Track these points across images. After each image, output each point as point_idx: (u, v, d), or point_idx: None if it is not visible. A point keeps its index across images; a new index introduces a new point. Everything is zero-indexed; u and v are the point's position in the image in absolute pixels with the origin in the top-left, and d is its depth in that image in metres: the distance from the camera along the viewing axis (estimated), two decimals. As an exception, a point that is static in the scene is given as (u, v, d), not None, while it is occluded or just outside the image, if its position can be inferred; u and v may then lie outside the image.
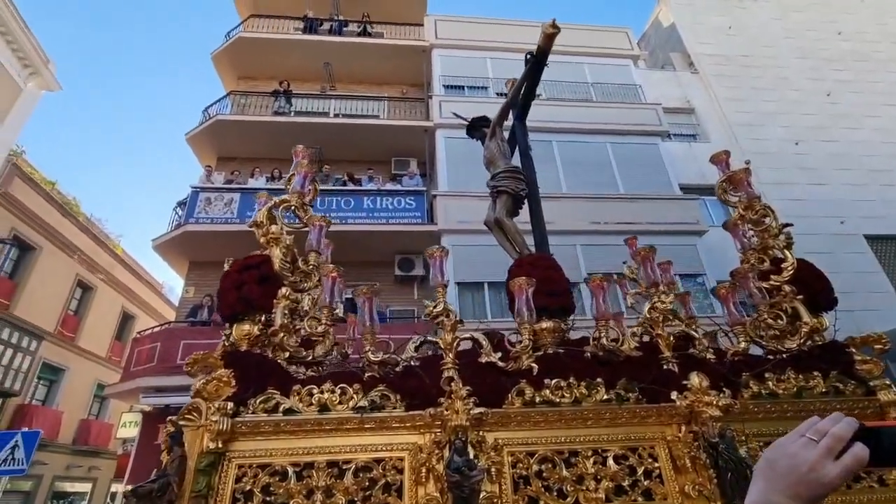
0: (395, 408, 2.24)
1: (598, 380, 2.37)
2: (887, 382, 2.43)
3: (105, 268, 17.78)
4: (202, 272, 11.35)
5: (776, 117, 14.78)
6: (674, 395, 2.26)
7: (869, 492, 2.27)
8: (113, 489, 16.88)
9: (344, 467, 2.11)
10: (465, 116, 4.85)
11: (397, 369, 2.45)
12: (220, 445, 2.03)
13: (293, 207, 2.94)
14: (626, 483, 2.17)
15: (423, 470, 2.09)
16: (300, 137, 11.69)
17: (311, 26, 14.50)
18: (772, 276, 2.80)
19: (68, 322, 16.11)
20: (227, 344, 2.50)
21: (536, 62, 4.25)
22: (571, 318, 2.88)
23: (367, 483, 2.08)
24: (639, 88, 14.01)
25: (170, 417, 2.15)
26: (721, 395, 2.24)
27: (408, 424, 2.21)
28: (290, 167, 3.20)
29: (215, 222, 10.89)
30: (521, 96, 4.59)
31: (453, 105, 11.55)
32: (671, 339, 2.56)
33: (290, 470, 2.08)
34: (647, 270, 2.80)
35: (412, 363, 2.44)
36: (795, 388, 2.44)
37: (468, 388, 2.19)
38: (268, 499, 2.02)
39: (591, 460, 2.21)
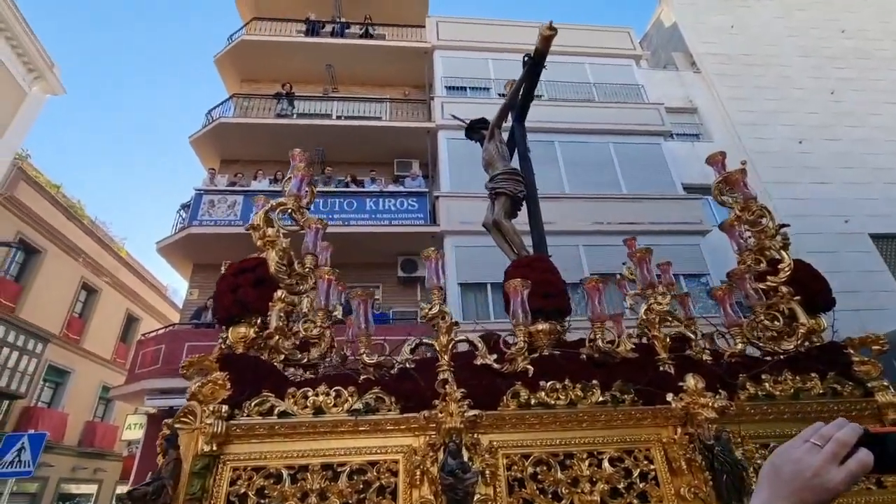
0: (389, 410, 2.23)
1: (594, 382, 2.36)
2: (885, 384, 2.41)
3: (110, 270, 17.88)
4: (206, 274, 11.37)
5: (779, 116, 14.71)
6: (669, 396, 2.25)
7: (867, 494, 2.25)
8: (118, 491, 16.95)
9: (338, 470, 2.11)
10: (465, 118, 4.85)
11: (392, 371, 2.45)
12: (214, 448, 2.04)
13: (290, 210, 2.94)
14: (621, 485, 2.16)
15: (418, 472, 2.08)
16: (303, 139, 11.81)
17: (313, 29, 14.53)
18: (769, 277, 2.79)
19: (73, 324, 16.21)
20: (223, 347, 2.51)
21: (534, 64, 4.25)
22: (568, 319, 2.88)
23: (361, 486, 2.08)
24: (641, 88, 13.98)
25: (165, 420, 2.16)
26: (717, 397, 2.22)
27: (402, 427, 2.21)
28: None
29: (219, 224, 10.93)
30: (520, 98, 4.59)
31: (455, 106, 11.57)
32: (667, 340, 2.55)
33: (285, 473, 2.08)
34: (643, 272, 2.79)
35: (407, 365, 2.44)
36: (792, 390, 2.42)
37: (463, 390, 2.18)
38: (262, 501, 2.02)
39: (587, 462, 2.20)
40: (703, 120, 14.86)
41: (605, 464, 2.21)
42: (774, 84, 15.49)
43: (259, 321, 2.56)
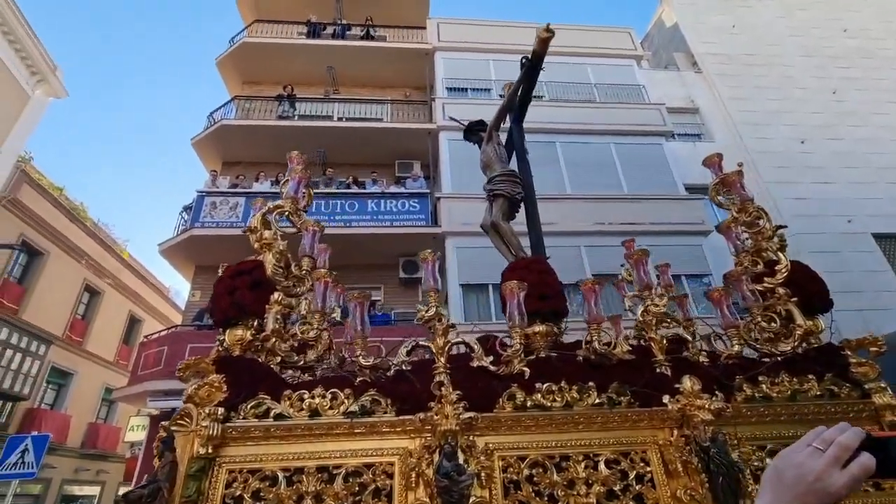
0: (385, 412, 2.23)
1: (590, 384, 2.36)
2: (882, 385, 2.40)
3: (112, 272, 17.94)
4: (208, 276, 11.39)
5: (781, 116, 14.68)
6: (666, 398, 2.25)
7: (864, 496, 2.24)
8: (121, 492, 16.96)
9: (334, 472, 2.11)
10: (465, 119, 4.86)
11: (389, 374, 2.45)
12: (210, 451, 2.04)
13: (287, 213, 2.95)
14: (617, 488, 2.16)
15: (413, 475, 2.08)
16: (304, 141, 11.86)
17: (314, 31, 14.57)
18: (766, 279, 2.78)
19: (76, 326, 16.26)
20: (220, 349, 2.52)
21: (532, 66, 4.26)
22: (566, 321, 2.88)
23: (356, 488, 2.08)
24: (642, 89, 13.97)
25: (162, 423, 2.17)
26: (713, 399, 2.22)
27: (398, 429, 2.21)
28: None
29: (221, 226, 10.97)
30: (518, 100, 4.60)
31: (456, 107, 11.60)
32: (664, 342, 2.55)
33: (281, 475, 2.08)
34: (639, 273, 2.78)
35: (404, 367, 2.44)
36: (789, 392, 2.41)
37: (458, 392, 2.19)
38: (257, 504, 2.03)
39: (583, 465, 2.20)
40: (705, 120, 14.84)
41: (602, 466, 2.20)
42: (776, 84, 15.45)
43: (256, 323, 2.57)
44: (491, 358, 2.49)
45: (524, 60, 4.30)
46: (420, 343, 2.49)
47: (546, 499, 2.12)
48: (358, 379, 2.37)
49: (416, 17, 15.19)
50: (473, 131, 4.59)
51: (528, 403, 2.30)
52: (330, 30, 14.89)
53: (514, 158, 4.56)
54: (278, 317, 2.56)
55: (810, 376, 2.46)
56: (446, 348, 2.37)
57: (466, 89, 13.71)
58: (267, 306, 2.56)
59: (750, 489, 2.11)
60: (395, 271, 11.72)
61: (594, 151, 12.43)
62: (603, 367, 2.52)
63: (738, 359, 2.61)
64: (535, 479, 2.16)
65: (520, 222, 4.05)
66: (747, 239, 2.97)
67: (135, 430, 13.66)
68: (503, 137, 4.62)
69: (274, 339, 2.51)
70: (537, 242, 3.89)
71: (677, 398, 2.23)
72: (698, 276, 10.75)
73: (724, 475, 2.04)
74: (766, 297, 2.76)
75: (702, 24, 16.81)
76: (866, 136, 14.52)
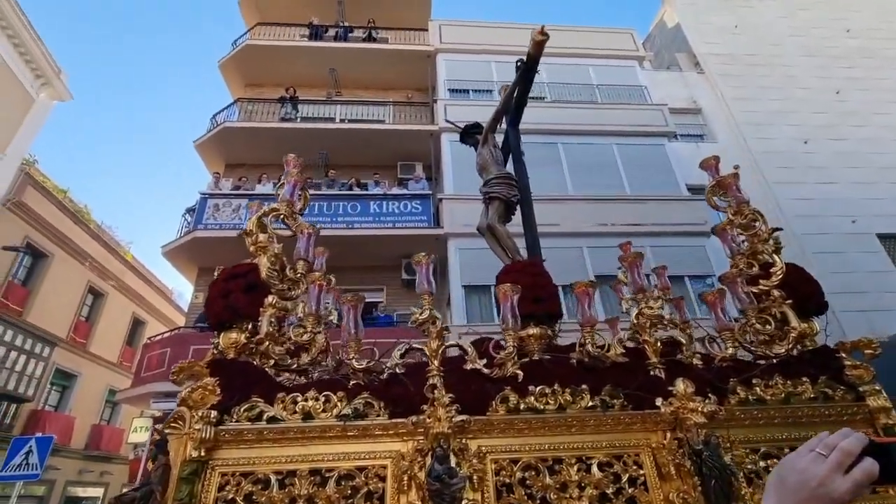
0: (378, 415, 2.24)
1: (584, 386, 2.36)
2: (877, 388, 2.39)
3: (116, 274, 18.03)
4: (211, 278, 11.29)
5: (784, 116, 14.62)
6: (659, 401, 2.24)
7: (861, 499, 2.23)
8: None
9: (326, 475, 2.11)
10: (465, 121, 4.87)
11: (382, 377, 2.45)
12: (203, 454, 2.04)
13: (282, 216, 2.96)
14: (610, 491, 2.15)
15: (406, 478, 2.08)
16: (307, 143, 11.90)
17: (316, 33, 14.61)
18: (761, 281, 2.77)
19: (80, 328, 16.35)
20: (214, 352, 2.53)
21: (527, 69, 4.26)
22: (559, 323, 2.88)
23: (349, 491, 2.08)
24: (644, 89, 13.94)
25: (156, 426, 2.18)
26: (706, 402, 2.21)
27: (390, 432, 2.21)
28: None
29: (223, 228, 10.99)
30: (514, 102, 4.60)
31: (458, 109, 11.60)
32: (658, 344, 2.55)
33: (273, 478, 2.09)
34: (633, 276, 2.78)
35: (397, 370, 2.45)
36: (783, 394, 2.40)
37: (451, 395, 2.19)
38: (250, 507, 2.03)
39: (576, 468, 2.19)
40: (707, 120, 14.80)
41: (594, 469, 2.20)
42: (779, 84, 15.39)
43: (250, 326, 2.58)
44: (484, 360, 2.49)
45: (519, 63, 4.30)
46: (414, 346, 2.50)
47: (538, 502, 2.12)
48: (351, 382, 2.38)
49: (417, 19, 15.20)
50: (470, 134, 4.60)
51: (522, 406, 2.30)
52: (332, 32, 14.94)
53: (510, 161, 4.56)
54: (272, 320, 2.57)
55: (804, 379, 2.46)
56: (440, 351, 2.37)
57: (468, 91, 13.72)
58: (261, 309, 2.57)
59: (743, 492, 2.11)
60: (398, 273, 11.72)
61: (596, 152, 12.41)
62: (596, 369, 2.52)
63: (733, 361, 2.60)
64: (527, 482, 2.15)
65: (516, 224, 4.05)
66: (744, 241, 2.96)
67: (138, 432, 13.68)
68: (499, 140, 4.63)
69: (268, 343, 2.52)
70: (533, 244, 3.89)
71: (670, 401, 2.22)
72: (701, 276, 10.71)
73: (716, 478, 2.04)
74: (762, 300, 2.75)
75: (704, 24, 16.76)
76: (869, 136, 14.44)
